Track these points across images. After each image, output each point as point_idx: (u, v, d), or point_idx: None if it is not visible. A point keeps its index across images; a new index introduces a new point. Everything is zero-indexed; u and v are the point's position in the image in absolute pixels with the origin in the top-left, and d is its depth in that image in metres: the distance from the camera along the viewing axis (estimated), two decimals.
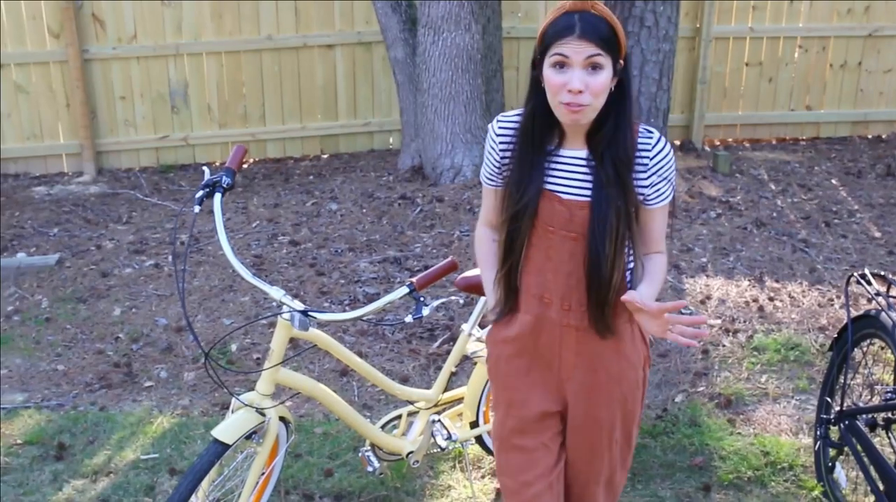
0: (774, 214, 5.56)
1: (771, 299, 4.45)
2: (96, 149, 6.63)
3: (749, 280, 4.64)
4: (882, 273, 2.91)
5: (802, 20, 7.05)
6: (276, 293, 2.45)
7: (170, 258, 5.00)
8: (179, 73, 6.64)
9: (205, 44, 6.60)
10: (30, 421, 3.63)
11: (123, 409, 3.72)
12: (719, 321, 4.25)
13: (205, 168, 2.69)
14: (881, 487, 2.63)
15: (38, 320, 4.44)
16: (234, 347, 4.09)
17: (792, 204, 5.75)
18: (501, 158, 2.07)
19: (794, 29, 7.04)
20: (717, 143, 7.18)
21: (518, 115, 2.05)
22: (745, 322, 4.24)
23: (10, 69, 6.40)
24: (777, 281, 4.64)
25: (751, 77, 7.13)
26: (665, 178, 2.01)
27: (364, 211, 5.54)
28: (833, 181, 6.23)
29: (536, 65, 1.96)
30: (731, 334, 4.13)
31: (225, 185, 2.53)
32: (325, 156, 6.93)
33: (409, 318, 2.41)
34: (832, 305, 4.38)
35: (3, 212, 5.83)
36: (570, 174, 2.00)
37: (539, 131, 2.00)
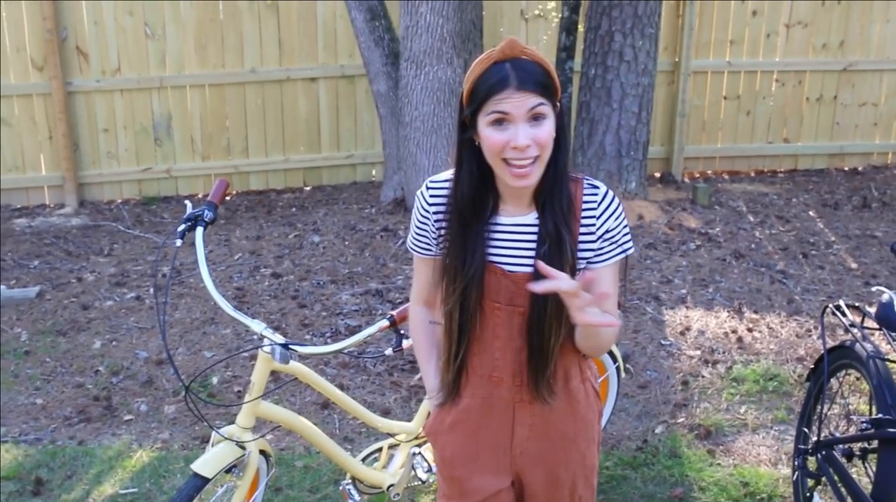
0: (753, 246, 5.62)
1: (750, 330, 4.49)
2: (78, 181, 6.63)
3: (728, 311, 4.69)
4: (857, 304, 2.96)
5: (779, 55, 7.18)
6: (257, 326, 2.46)
7: (151, 291, 4.99)
8: (163, 106, 6.67)
9: (188, 76, 6.65)
10: (7, 455, 3.60)
11: (102, 443, 3.69)
12: (699, 352, 4.28)
13: (187, 202, 2.70)
14: None
15: (16, 353, 4.41)
16: (215, 380, 4.08)
17: (770, 235, 5.82)
18: (438, 229, 1.90)
19: (771, 63, 7.18)
20: (697, 175, 7.27)
21: (449, 179, 1.89)
22: (724, 353, 4.27)
23: None
24: (756, 312, 4.69)
25: (729, 110, 7.24)
26: (613, 242, 1.86)
27: (346, 243, 5.56)
28: (810, 213, 6.31)
29: (468, 123, 1.79)
30: (710, 365, 4.16)
31: (207, 219, 2.54)
32: (308, 189, 6.95)
33: (388, 351, 2.42)
34: (810, 336, 4.43)
35: None
36: (515, 243, 1.85)
37: (476, 198, 1.84)
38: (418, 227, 1.95)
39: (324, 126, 6.93)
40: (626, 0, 5.74)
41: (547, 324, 1.84)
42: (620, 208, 1.86)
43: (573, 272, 1.82)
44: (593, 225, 1.85)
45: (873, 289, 3.18)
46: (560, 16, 6.48)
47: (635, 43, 5.83)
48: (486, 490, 2.00)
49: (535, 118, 1.73)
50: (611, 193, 1.87)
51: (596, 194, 1.85)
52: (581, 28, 6.33)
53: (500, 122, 1.73)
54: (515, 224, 1.86)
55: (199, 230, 2.52)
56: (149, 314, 4.74)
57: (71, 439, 3.73)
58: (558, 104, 1.79)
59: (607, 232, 1.85)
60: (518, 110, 1.72)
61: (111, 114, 6.61)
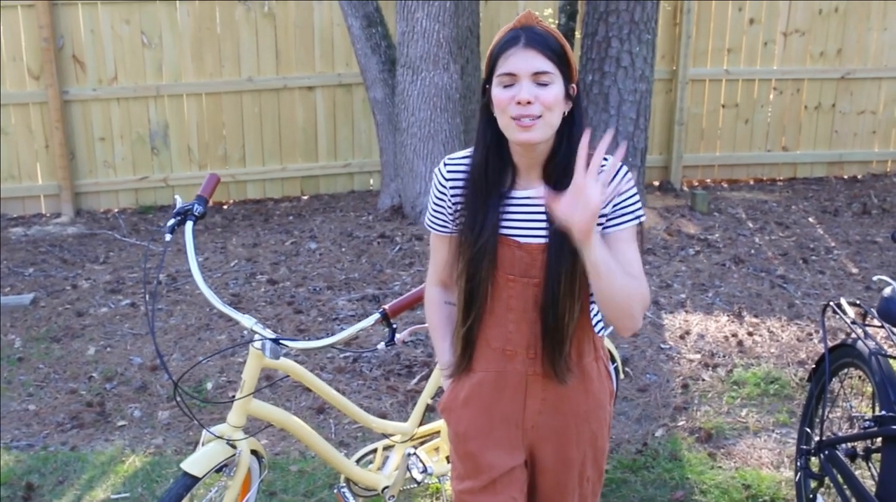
0: (752, 251, 5.58)
1: (750, 334, 4.44)
2: (75, 190, 6.59)
3: (728, 315, 4.64)
4: (857, 302, 2.92)
5: (776, 63, 7.17)
6: (246, 321, 2.42)
7: (145, 296, 4.95)
8: (160, 115, 6.65)
9: (185, 85, 6.63)
10: None
11: (95, 449, 3.64)
12: (698, 356, 4.24)
13: (177, 196, 2.67)
14: None
15: (10, 360, 4.37)
16: (209, 385, 4.03)
17: (770, 241, 5.79)
18: (454, 204, 1.95)
19: (769, 71, 7.16)
20: (696, 184, 7.24)
21: (466, 156, 1.95)
22: (724, 356, 4.22)
23: None
24: (756, 316, 4.64)
25: (727, 118, 7.22)
26: (623, 208, 1.88)
27: (343, 250, 5.52)
28: (810, 219, 6.28)
29: (485, 91, 1.87)
30: (710, 368, 4.12)
31: (197, 213, 2.50)
32: (306, 198, 6.92)
33: (381, 345, 2.38)
34: (811, 339, 4.38)
35: None
36: (527, 216, 1.89)
37: (492, 170, 1.89)
38: (435, 203, 1.99)
39: (321, 135, 6.91)
40: (622, 4, 5.73)
41: (561, 300, 1.86)
42: (629, 175, 1.89)
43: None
44: None
45: (875, 278, 3.14)
46: (557, 22, 6.48)
47: (632, 49, 5.81)
48: (499, 466, 1.99)
49: (542, 84, 1.80)
50: (623, 167, 1.91)
51: (605, 164, 1.86)
52: (578, 34, 6.32)
53: (510, 85, 1.81)
54: (528, 197, 1.89)
55: (189, 224, 2.49)
56: (143, 320, 4.69)
57: (63, 445, 3.68)
58: (574, 87, 1.85)
59: (619, 199, 1.88)
60: (524, 68, 1.79)
61: (108, 122, 6.59)
